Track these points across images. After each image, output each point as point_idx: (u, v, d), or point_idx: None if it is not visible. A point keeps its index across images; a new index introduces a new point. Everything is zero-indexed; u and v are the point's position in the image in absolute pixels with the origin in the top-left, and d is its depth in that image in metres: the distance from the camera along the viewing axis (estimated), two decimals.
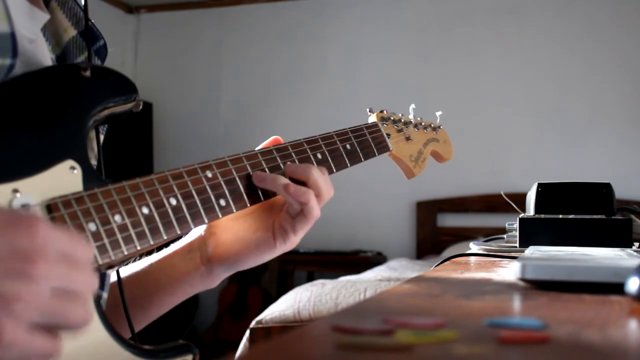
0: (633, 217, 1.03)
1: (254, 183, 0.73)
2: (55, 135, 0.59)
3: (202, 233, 0.79)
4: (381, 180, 3.81)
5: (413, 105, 0.99)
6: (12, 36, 0.60)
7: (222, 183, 0.69)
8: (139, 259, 0.79)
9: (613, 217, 1.03)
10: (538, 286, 0.60)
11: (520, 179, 3.35)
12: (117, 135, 3.70)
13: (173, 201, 0.64)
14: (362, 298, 2.23)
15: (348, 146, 0.83)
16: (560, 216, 1.04)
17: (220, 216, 0.68)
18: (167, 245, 0.78)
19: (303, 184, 0.74)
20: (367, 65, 4.15)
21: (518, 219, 1.05)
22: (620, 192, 1.24)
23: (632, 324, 0.45)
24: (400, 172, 0.96)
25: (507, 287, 0.63)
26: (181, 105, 4.50)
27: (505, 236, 1.16)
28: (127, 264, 0.78)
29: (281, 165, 0.75)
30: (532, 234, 1.03)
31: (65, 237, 0.49)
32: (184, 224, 0.64)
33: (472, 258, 0.99)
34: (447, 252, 3.51)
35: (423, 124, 0.99)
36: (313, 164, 0.78)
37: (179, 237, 0.75)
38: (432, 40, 4.07)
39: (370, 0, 4.20)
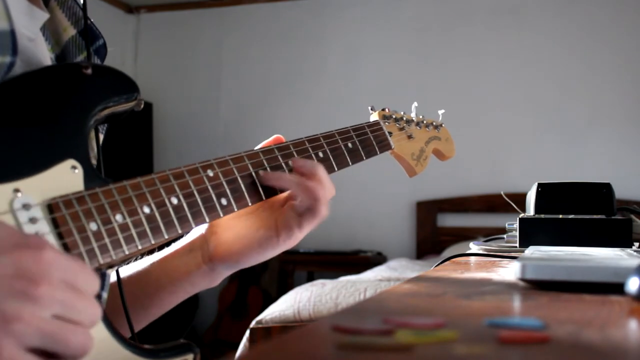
0: (633, 217, 1.03)
1: (263, 182, 0.72)
2: (56, 134, 0.59)
3: (204, 232, 0.79)
4: (381, 180, 3.82)
5: (415, 104, 0.99)
6: (12, 34, 0.60)
7: (224, 182, 0.69)
8: (140, 258, 0.79)
9: (613, 217, 1.03)
10: (538, 286, 0.60)
11: (520, 179, 3.35)
12: (117, 135, 3.70)
13: (174, 200, 0.64)
14: (362, 298, 2.23)
15: (350, 144, 0.83)
16: (560, 216, 1.04)
17: (221, 215, 0.68)
18: (168, 244, 0.78)
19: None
20: (367, 65, 4.15)
21: (518, 219, 1.05)
22: (620, 192, 1.24)
23: (632, 324, 0.45)
24: (400, 172, 0.96)
25: (507, 287, 0.64)
26: (181, 105, 4.50)
27: (505, 236, 1.16)
28: (127, 263, 0.78)
29: (283, 164, 0.75)
30: (532, 234, 1.03)
31: (72, 264, 0.49)
32: (185, 223, 0.64)
33: (472, 258, 0.99)
34: (447, 252, 3.51)
35: (425, 122, 0.99)
36: None
37: (180, 237, 0.75)
38: (432, 40, 4.07)
39: (370, 0, 4.20)
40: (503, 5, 3.98)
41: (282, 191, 0.75)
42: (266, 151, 0.75)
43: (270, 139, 0.79)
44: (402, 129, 0.93)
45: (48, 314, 0.47)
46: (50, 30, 0.73)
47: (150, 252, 0.77)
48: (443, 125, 1.03)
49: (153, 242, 0.61)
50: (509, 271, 0.79)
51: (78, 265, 0.50)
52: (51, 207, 0.55)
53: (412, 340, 0.37)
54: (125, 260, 0.64)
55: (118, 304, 0.72)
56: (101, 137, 0.73)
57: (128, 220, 0.59)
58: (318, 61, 4.25)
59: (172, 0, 4.53)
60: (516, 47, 3.93)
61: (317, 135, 0.80)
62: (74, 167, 0.59)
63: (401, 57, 4.11)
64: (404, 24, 4.11)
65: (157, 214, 0.62)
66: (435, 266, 0.91)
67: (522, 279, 0.60)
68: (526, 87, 3.90)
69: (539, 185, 1.08)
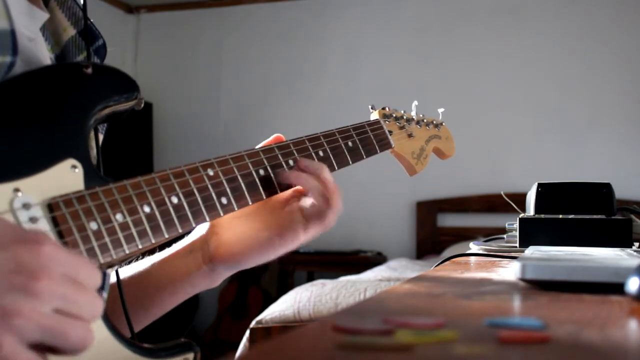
0: (633, 217, 1.03)
1: (281, 179, 0.73)
2: (57, 134, 0.59)
3: (204, 233, 0.79)
4: (381, 180, 3.81)
5: (416, 102, 0.99)
6: (12, 34, 0.60)
7: (224, 181, 0.69)
8: (141, 258, 0.79)
9: (613, 217, 1.03)
10: (538, 286, 0.60)
11: (520, 179, 3.35)
12: (117, 135, 3.70)
13: (174, 199, 0.64)
14: (362, 298, 2.23)
15: (350, 143, 0.83)
16: (560, 216, 1.04)
17: (222, 214, 0.68)
18: (168, 244, 0.78)
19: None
20: (367, 65, 4.15)
21: (518, 219, 1.05)
22: (620, 192, 1.24)
23: (632, 324, 0.45)
24: (401, 171, 0.96)
25: (507, 287, 0.64)
26: (181, 105, 4.50)
27: (505, 236, 1.16)
28: (128, 263, 0.78)
29: (283, 163, 0.75)
30: (532, 234, 1.03)
31: (73, 258, 0.49)
32: (185, 222, 0.64)
33: (472, 258, 0.99)
34: (447, 252, 3.51)
35: (425, 120, 0.99)
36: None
37: (181, 236, 0.75)
38: (432, 40, 4.07)
39: (370, 0, 4.19)
40: (503, 5, 3.98)
41: (282, 191, 0.75)
42: (266, 150, 0.75)
43: (271, 138, 0.79)
44: (402, 127, 0.93)
45: (48, 309, 0.47)
46: (50, 30, 0.73)
47: (151, 252, 0.77)
48: (443, 123, 1.03)
49: (153, 241, 0.61)
50: (509, 271, 0.79)
51: (79, 259, 0.50)
52: (51, 206, 0.55)
53: (412, 340, 0.37)
54: (126, 260, 0.64)
55: (118, 304, 0.72)
56: (101, 136, 0.73)
57: (128, 219, 0.59)
58: (318, 61, 4.25)
59: (172, 0, 4.53)
60: (516, 47, 3.93)
61: (317, 134, 0.80)
62: (74, 167, 0.59)
63: (401, 57, 4.11)
64: (404, 24, 4.11)
65: (157, 213, 0.61)
66: (435, 266, 0.91)
67: (522, 279, 0.60)
68: (526, 87, 3.90)
69: (539, 185, 1.08)
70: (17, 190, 0.54)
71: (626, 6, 3.79)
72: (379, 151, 0.88)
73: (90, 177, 0.60)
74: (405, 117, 0.95)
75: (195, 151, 4.28)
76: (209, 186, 0.67)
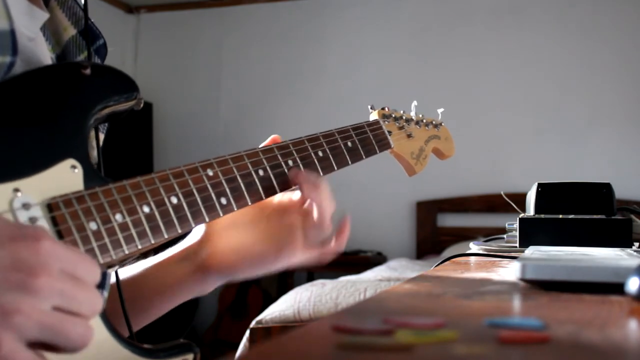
0: (633, 217, 1.03)
1: (295, 178, 0.73)
2: (56, 134, 0.59)
3: (198, 239, 0.78)
4: (381, 180, 3.81)
5: (415, 102, 0.99)
6: (12, 33, 0.60)
7: (223, 181, 0.69)
8: (142, 258, 0.79)
9: (613, 217, 1.03)
10: (538, 286, 0.60)
11: (520, 179, 3.35)
12: (117, 135, 3.70)
13: (174, 200, 0.63)
14: (362, 298, 2.23)
15: (349, 143, 0.83)
16: (560, 216, 1.04)
17: (221, 214, 0.68)
18: (166, 245, 0.78)
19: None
20: (367, 65, 4.15)
21: (518, 219, 1.04)
22: (620, 192, 1.24)
23: (632, 324, 0.45)
24: (400, 172, 0.96)
25: (507, 287, 0.63)
26: (181, 105, 4.50)
27: (505, 236, 1.16)
28: (128, 263, 0.78)
29: (282, 163, 0.75)
30: (532, 234, 1.03)
31: (72, 254, 0.49)
32: (185, 222, 0.64)
33: (472, 258, 0.99)
34: (447, 252, 3.51)
35: (424, 121, 0.99)
36: (314, 161, 0.78)
37: (179, 238, 0.75)
38: (432, 40, 4.07)
39: (370, 0, 4.20)
40: (503, 5, 3.98)
41: (282, 191, 0.75)
42: (266, 150, 0.75)
43: (268, 140, 0.79)
44: (401, 128, 0.93)
45: (48, 306, 0.46)
46: (50, 30, 0.73)
47: (156, 250, 0.76)
48: (442, 124, 1.03)
49: (153, 241, 0.61)
50: (509, 271, 0.79)
51: (77, 255, 0.50)
52: (51, 207, 0.55)
53: (412, 340, 0.37)
54: (125, 260, 0.64)
55: (117, 306, 0.72)
56: (102, 136, 0.73)
57: (128, 219, 0.59)
58: (318, 61, 4.25)
59: (172, 0, 4.53)
60: (516, 47, 3.93)
61: (316, 134, 0.80)
62: (73, 167, 0.59)
63: (401, 57, 4.11)
64: (404, 24, 4.12)
65: (156, 213, 0.61)
66: (435, 266, 0.91)
67: (522, 279, 0.60)
68: (526, 87, 3.90)
69: (539, 185, 1.08)
70: (16, 190, 0.54)
71: (626, 6, 3.80)
72: (378, 151, 0.88)
73: (90, 177, 0.60)
74: (404, 118, 0.95)
75: (195, 151, 4.28)
76: (209, 186, 0.67)
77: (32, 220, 0.54)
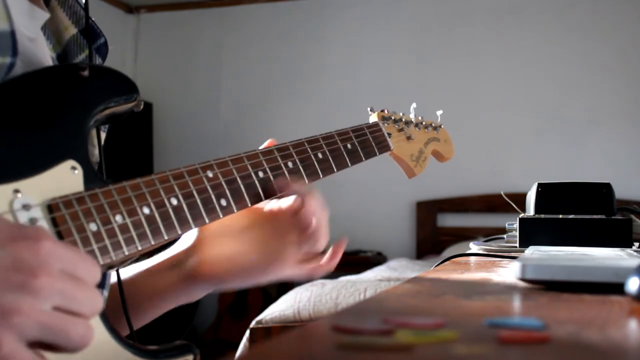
0: (633, 217, 1.03)
1: (280, 187, 0.71)
2: (56, 135, 0.59)
3: (188, 246, 0.77)
4: (381, 180, 3.81)
5: (414, 105, 0.99)
6: (12, 35, 0.60)
7: (223, 183, 0.69)
8: (143, 258, 0.79)
9: (613, 217, 1.03)
10: (538, 286, 0.60)
11: (520, 179, 3.35)
12: (117, 135, 3.70)
13: (174, 201, 0.64)
14: (362, 298, 2.23)
15: (349, 145, 0.83)
16: (560, 216, 1.04)
17: (221, 216, 0.67)
18: (167, 246, 0.77)
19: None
20: (367, 65, 4.15)
21: (518, 219, 1.05)
22: (620, 192, 1.24)
23: (632, 324, 0.45)
24: (400, 172, 0.96)
25: (507, 287, 0.64)
26: (181, 105, 4.50)
27: (505, 236, 1.16)
28: (128, 264, 0.78)
29: (282, 165, 0.75)
30: (532, 234, 1.03)
31: (71, 254, 0.49)
32: (185, 224, 0.64)
33: (472, 258, 0.99)
34: (447, 252, 3.51)
35: (424, 123, 0.99)
36: (314, 163, 0.78)
37: (171, 242, 0.74)
38: (432, 40, 4.07)
39: (370, 0, 4.20)
40: (503, 5, 3.98)
41: (281, 193, 0.74)
42: (266, 152, 0.75)
43: (265, 143, 0.78)
44: (401, 130, 0.93)
45: (48, 306, 0.46)
46: (51, 29, 0.73)
47: (159, 250, 0.76)
48: (442, 126, 1.03)
49: (153, 243, 0.61)
50: (509, 271, 0.79)
51: (77, 255, 0.50)
52: (51, 207, 0.55)
53: (412, 340, 0.37)
54: (125, 261, 0.64)
55: (115, 306, 0.72)
56: (103, 135, 0.73)
57: (128, 220, 0.59)
58: (318, 61, 4.25)
59: (172, 0, 4.53)
60: (516, 47, 3.93)
61: (316, 136, 0.80)
62: (73, 168, 0.59)
63: (401, 57, 4.11)
64: (404, 24, 4.12)
65: (156, 215, 0.61)
66: (435, 266, 0.91)
67: (522, 279, 0.60)
68: (526, 87, 3.90)
69: (539, 185, 1.08)
70: (17, 191, 0.54)
71: (626, 6, 3.80)
72: (377, 154, 0.88)
73: (90, 178, 0.60)
74: (404, 120, 0.95)
75: (195, 151, 4.28)
76: (208, 188, 0.67)
77: (32, 221, 0.54)
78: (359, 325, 0.40)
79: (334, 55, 4.23)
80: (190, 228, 0.65)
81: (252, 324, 2.29)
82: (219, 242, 0.76)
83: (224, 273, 0.75)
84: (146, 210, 0.61)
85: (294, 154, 0.76)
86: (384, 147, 0.89)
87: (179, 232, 0.63)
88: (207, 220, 0.66)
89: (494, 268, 0.84)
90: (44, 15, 0.70)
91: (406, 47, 4.11)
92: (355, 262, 3.70)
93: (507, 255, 0.96)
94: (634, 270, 0.51)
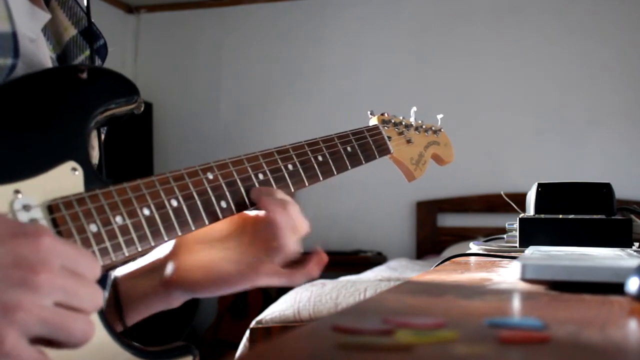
0: (633, 217, 1.03)
1: (253, 197, 0.70)
2: (57, 136, 0.59)
3: (166, 254, 0.76)
4: (381, 181, 3.81)
5: (414, 108, 0.99)
6: (14, 36, 0.60)
7: (223, 185, 0.69)
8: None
9: (613, 217, 1.03)
10: (538, 286, 0.60)
11: (520, 179, 3.35)
12: (117, 135, 3.70)
13: (174, 202, 0.64)
14: (362, 298, 2.23)
15: (349, 148, 0.83)
16: (560, 216, 1.04)
17: (221, 218, 0.68)
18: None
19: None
20: (367, 65, 4.15)
21: (518, 219, 1.05)
22: (620, 192, 1.24)
23: (632, 324, 0.45)
24: (401, 173, 0.96)
25: (507, 287, 0.64)
26: (181, 105, 4.50)
27: (505, 236, 1.16)
28: (127, 264, 0.78)
29: (282, 167, 0.75)
30: (532, 234, 1.03)
31: (72, 251, 0.49)
32: (185, 225, 0.64)
33: (472, 258, 0.99)
34: (447, 252, 3.51)
35: (424, 126, 0.99)
36: (314, 165, 0.78)
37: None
38: (432, 40, 4.07)
39: (370, 0, 4.20)
40: (503, 5, 3.98)
41: None
42: (266, 154, 0.74)
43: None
44: (401, 133, 0.93)
45: (49, 302, 0.47)
46: (51, 30, 0.73)
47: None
48: (442, 130, 1.03)
49: (153, 244, 0.61)
50: (509, 271, 0.79)
51: (77, 251, 0.50)
52: (51, 208, 0.55)
53: (412, 340, 0.37)
54: (125, 262, 0.64)
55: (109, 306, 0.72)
56: (102, 138, 0.73)
57: (128, 221, 0.59)
58: (318, 61, 4.25)
59: (172, 0, 4.53)
60: (516, 47, 3.93)
61: (316, 139, 0.81)
62: (74, 169, 0.59)
63: (401, 57, 4.11)
64: (404, 24, 4.12)
65: (157, 216, 0.62)
66: (435, 266, 0.91)
67: (523, 279, 0.60)
68: (526, 87, 3.90)
69: (539, 185, 1.08)
70: (17, 191, 0.55)
71: (626, 6, 3.80)
72: (377, 157, 0.88)
73: (91, 179, 0.60)
74: (404, 123, 0.95)
75: (195, 151, 4.29)
76: (209, 190, 0.67)
77: (33, 221, 0.54)
78: (359, 325, 0.40)
79: (334, 55, 4.23)
80: (191, 230, 0.65)
81: (252, 324, 2.29)
82: (195, 249, 0.75)
83: (198, 281, 0.73)
84: (146, 212, 0.61)
85: (294, 156, 0.77)
86: (384, 150, 0.89)
87: (179, 234, 0.63)
88: (206, 222, 0.66)
89: (494, 268, 0.84)
90: (45, 16, 0.70)
91: (406, 47, 4.10)
92: (355, 262, 3.71)
93: (507, 255, 0.96)
94: (634, 270, 0.51)
